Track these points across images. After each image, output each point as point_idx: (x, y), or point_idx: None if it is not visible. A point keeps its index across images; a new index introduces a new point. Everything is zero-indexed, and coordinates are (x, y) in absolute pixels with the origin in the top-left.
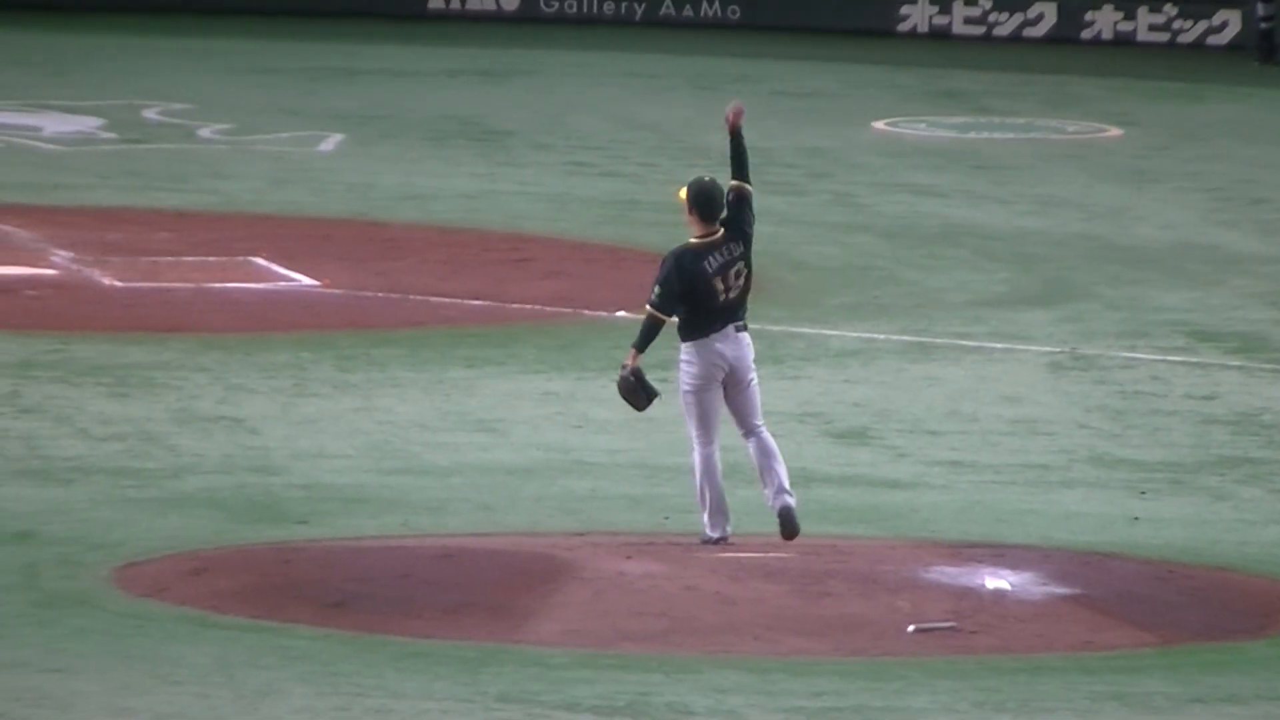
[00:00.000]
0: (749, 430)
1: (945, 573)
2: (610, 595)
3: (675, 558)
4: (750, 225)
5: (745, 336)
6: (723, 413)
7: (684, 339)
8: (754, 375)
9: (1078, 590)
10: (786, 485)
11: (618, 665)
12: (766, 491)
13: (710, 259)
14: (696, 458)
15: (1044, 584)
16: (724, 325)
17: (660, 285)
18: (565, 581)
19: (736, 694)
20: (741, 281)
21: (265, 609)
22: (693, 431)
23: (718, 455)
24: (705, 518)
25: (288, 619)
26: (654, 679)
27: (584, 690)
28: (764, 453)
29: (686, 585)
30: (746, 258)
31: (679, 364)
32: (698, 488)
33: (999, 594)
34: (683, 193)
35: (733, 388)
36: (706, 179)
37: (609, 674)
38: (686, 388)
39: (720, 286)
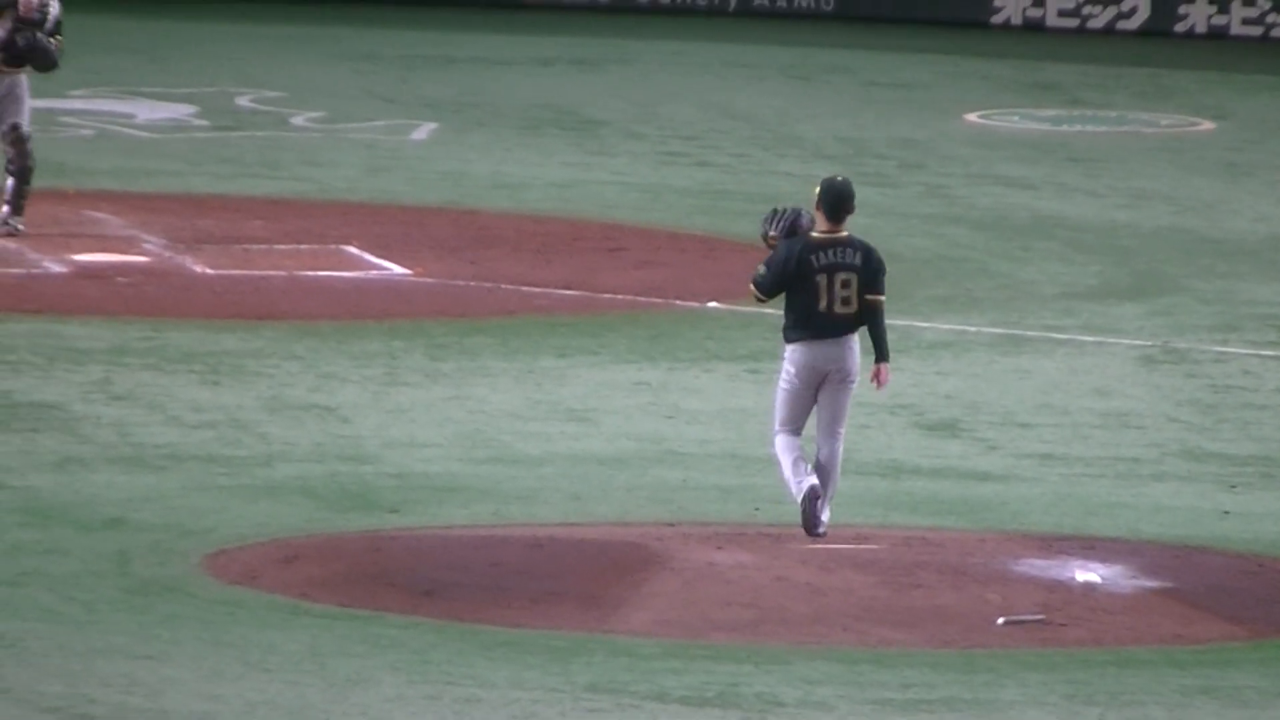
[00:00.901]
0: (827, 434)
1: (1035, 565)
2: (700, 585)
3: (766, 548)
4: (880, 282)
5: (851, 339)
6: (812, 410)
7: (786, 340)
8: (855, 381)
9: (1168, 584)
10: (826, 511)
11: (707, 655)
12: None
13: (821, 254)
14: (776, 439)
15: (1134, 577)
16: (828, 336)
17: (766, 264)
18: (655, 571)
19: (825, 685)
20: (850, 296)
21: (356, 597)
22: (777, 425)
23: (797, 439)
24: (791, 482)
25: (378, 607)
26: (743, 669)
27: (673, 680)
28: (827, 467)
29: (776, 576)
30: (864, 280)
31: (781, 360)
32: (780, 463)
33: (1089, 587)
34: (816, 189)
35: (829, 387)
36: (839, 178)
37: (698, 664)
38: (782, 385)
39: (823, 285)
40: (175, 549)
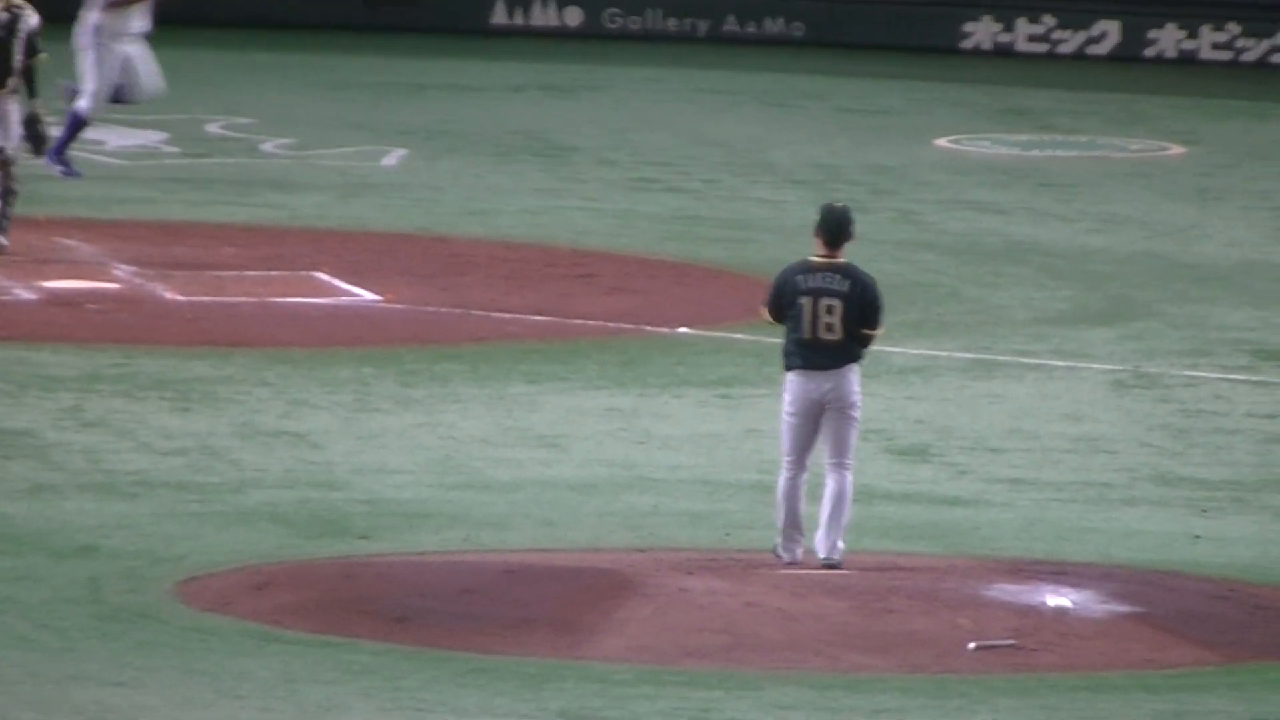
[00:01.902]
0: (834, 464)
1: (1007, 590)
2: (672, 611)
3: (737, 574)
4: (872, 316)
5: (846, 372)
6: (818, 440)
7: (784, 367)
8: (856, 411)
9: (1140, 608)
10: (840, 541)
11: (680, 681)
12: (820, 535)
13: (808, 276)
14: (781, 480)
15: (1106, 602)
16: (814, 366)
17: (770, 291)
18: (627, 598)
19: (798, 710)
20: (834, 323)
21: (328, 624)
22: (783, 454)
23: (802, 481)
24: (779, 537)
25: (350, 634)
26: (716, 695)
27: (646, 706)
28: (836, 498)
29: (748, 601)
30: (850, 308)
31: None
32: (777, 507)
33: (1060, 611)
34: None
35: (830, 419)
36: (839, 205)
37: (671, 690)
38: (783, 414)
39: (808, 310)
40: (147, 576)
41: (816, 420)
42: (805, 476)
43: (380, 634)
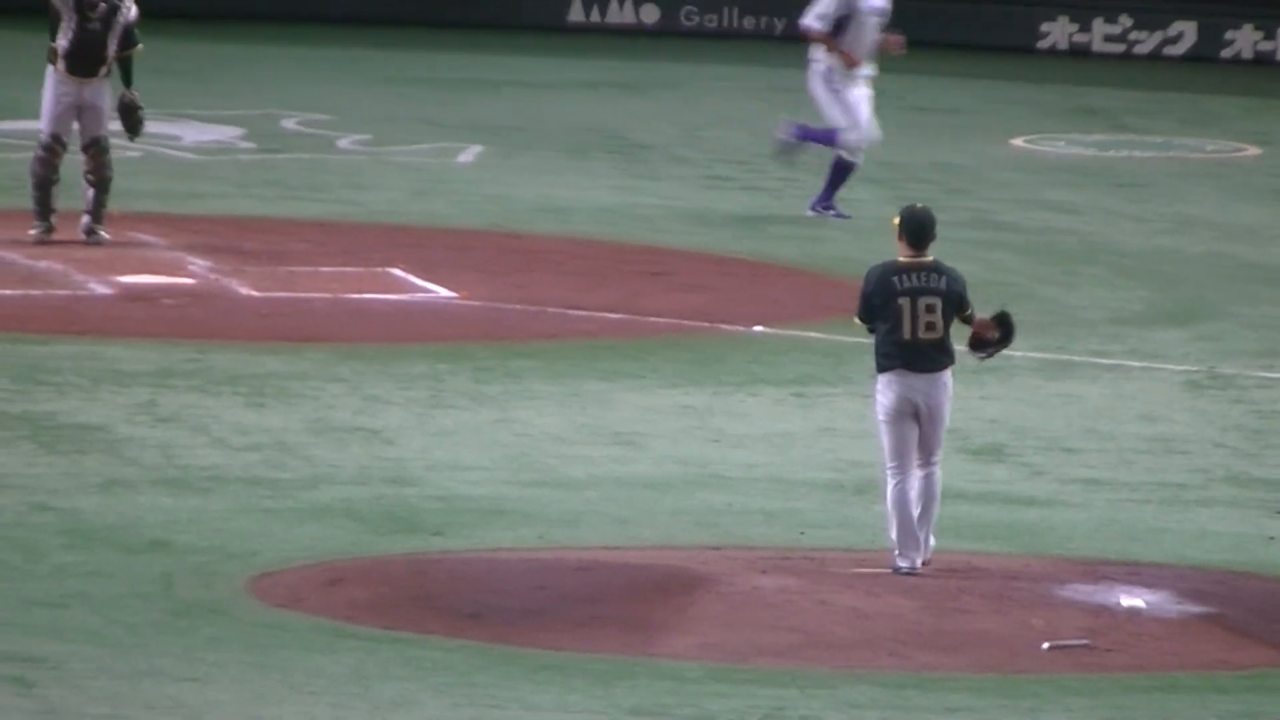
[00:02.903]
0: (925, 462)
1: (1080, 590)
2: (745, 609)
3: (810, 573)
4: (965, 301)
5: (942, 376)
6: (915, 442)
7: (877, 370)
8: (946, 413)
9: (1212, 609)
10: (931, 539)
11: (752, 680)
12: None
13: (902, 277)
14: (889, 490)
15: (1179, 602)
16: (915, 368)
17: (860, 297)
18: (700, 595)
19: (870, 709)
20: (935, 322)
21: (400, 620)
22: (886, 460)
23: (910, 487)
24: (895, 550)
25: (423, 630)
26: (788, 694)
27: (718, 704)
28: (926, 495)
29: (821, 600)
30: (949, 304)
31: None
32: (888, 519)
33: (1133, 612)
34: (896, 219)
35: (925, 421)
36: (919, 206)
37: (743, 688)
38: (880, 417)
39: (907, 311)
40: (220, 571)
41: (915, 422)
42: (912, 481)
43: (453, 630)
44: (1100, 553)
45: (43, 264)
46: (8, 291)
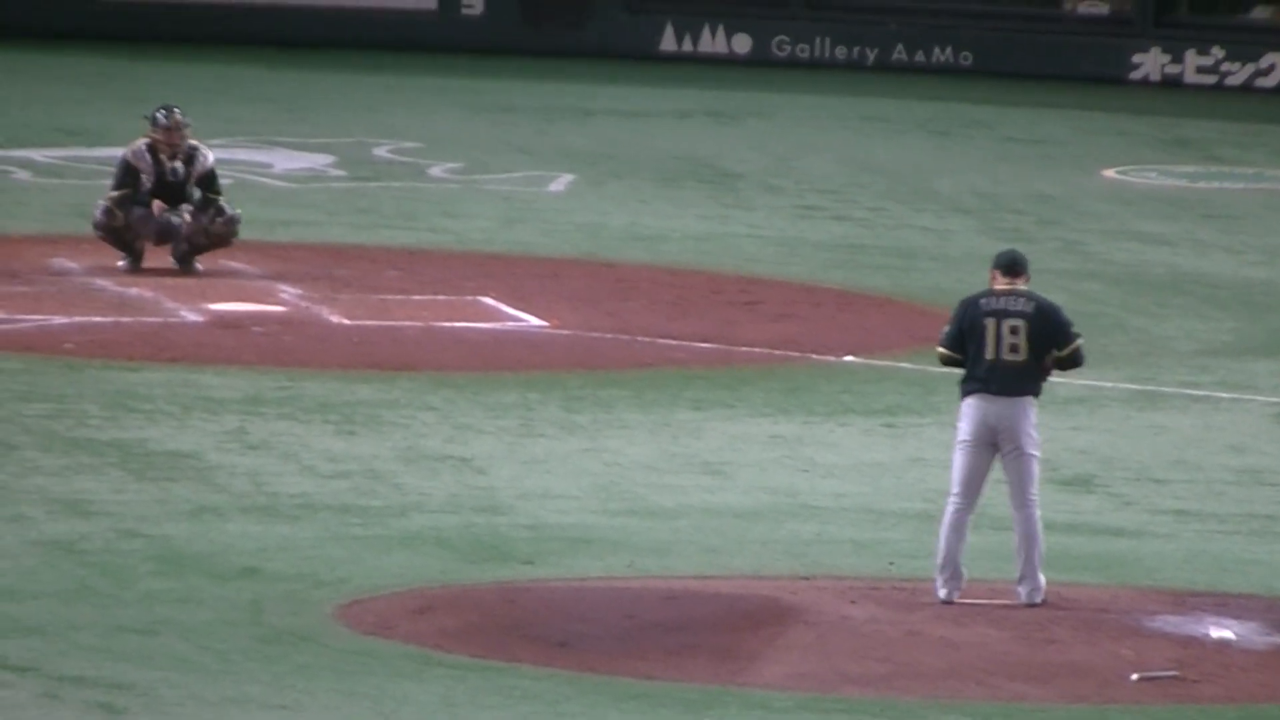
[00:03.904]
0: (1018, 503)
1: (1169, 621)
2: (834, 639)
3: (899, 602)
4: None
5: (1024, 401)
6: (992, 477)
7: (961, 395)
8: (1033, 449)
9: None
10: (1040, 580)
11: (841, 709)
12: (1022, 581)
13: (990, 299)
14: (946, 514)
15: (1268, 634)
16: (995, 391)
17: (948, 323)
18: (789, 625)
19: None
20: (1019, 344)
21: (490, 648)
22: (951, 488)
23: (968, 517)
24: (936, 576)
25: (512, 659)
26: None
27: None
28: (1024, 536)
29: (910, 630)
30: (1035, 328)
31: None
32: (937, 544)
33: (1223, 643)
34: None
35: (1007, 453)
36: (1013, 250)
37: (832, 718)
38: (956, 442)
39: (991, 331)
40: (309, 599)
41: (990, 452)
42: (971, 514)
43: (542, 659)
44: (1189, 583)
45: (133, 291)
46: (98, 318)
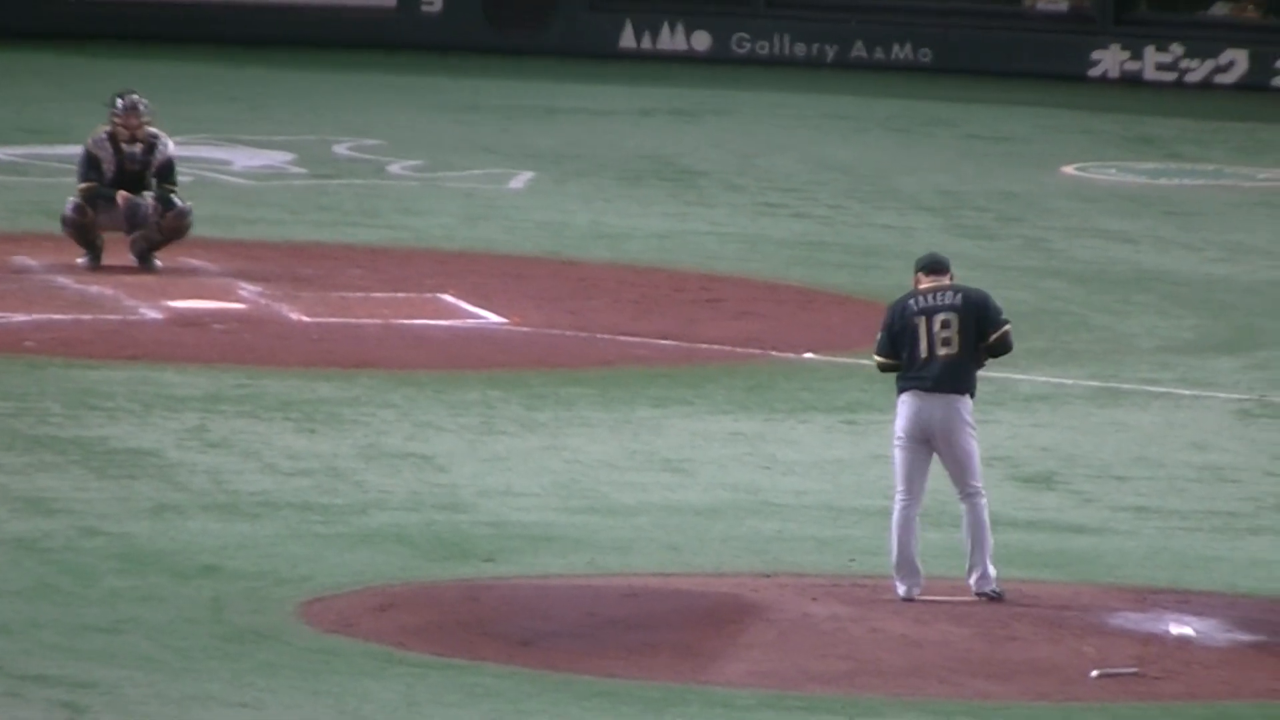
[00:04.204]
0: (962, 492)
1: (1130, 618)
2: (795, 636)
3: (861, 600)
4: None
5: (956, 401)
6: (932, 471)
7: (898, 391)
8: (968, 439)
9: (1264, 637)
10: (990, 569)
11: (802, 707)
12: (968, 568)
13: (917, 299)
14: (894, 513)
15: (1230, 631)
16: (929, 388)
17: (880, 330)
18: (751, 622)
19: None
20: (951, 337)
21: (452, 646)
22: (895, 483)
23: (914, 514)
24: (894, 574)
25: (474, 656)
26: None
27: None
28: (973, 524)
29: (872, 627)
30: (967, 319)
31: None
32: (889, 542)
33: (1184, 640)
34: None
35: (942, 449)
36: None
37: (794, 715)
38: (893, 442)
39: (923, 329)
40: (271, 597)
41: (927, 449)
42: (918, 509)
43: (504, 657)
44: (1151, 581)
45: (94, 289)
46: (59, 316)
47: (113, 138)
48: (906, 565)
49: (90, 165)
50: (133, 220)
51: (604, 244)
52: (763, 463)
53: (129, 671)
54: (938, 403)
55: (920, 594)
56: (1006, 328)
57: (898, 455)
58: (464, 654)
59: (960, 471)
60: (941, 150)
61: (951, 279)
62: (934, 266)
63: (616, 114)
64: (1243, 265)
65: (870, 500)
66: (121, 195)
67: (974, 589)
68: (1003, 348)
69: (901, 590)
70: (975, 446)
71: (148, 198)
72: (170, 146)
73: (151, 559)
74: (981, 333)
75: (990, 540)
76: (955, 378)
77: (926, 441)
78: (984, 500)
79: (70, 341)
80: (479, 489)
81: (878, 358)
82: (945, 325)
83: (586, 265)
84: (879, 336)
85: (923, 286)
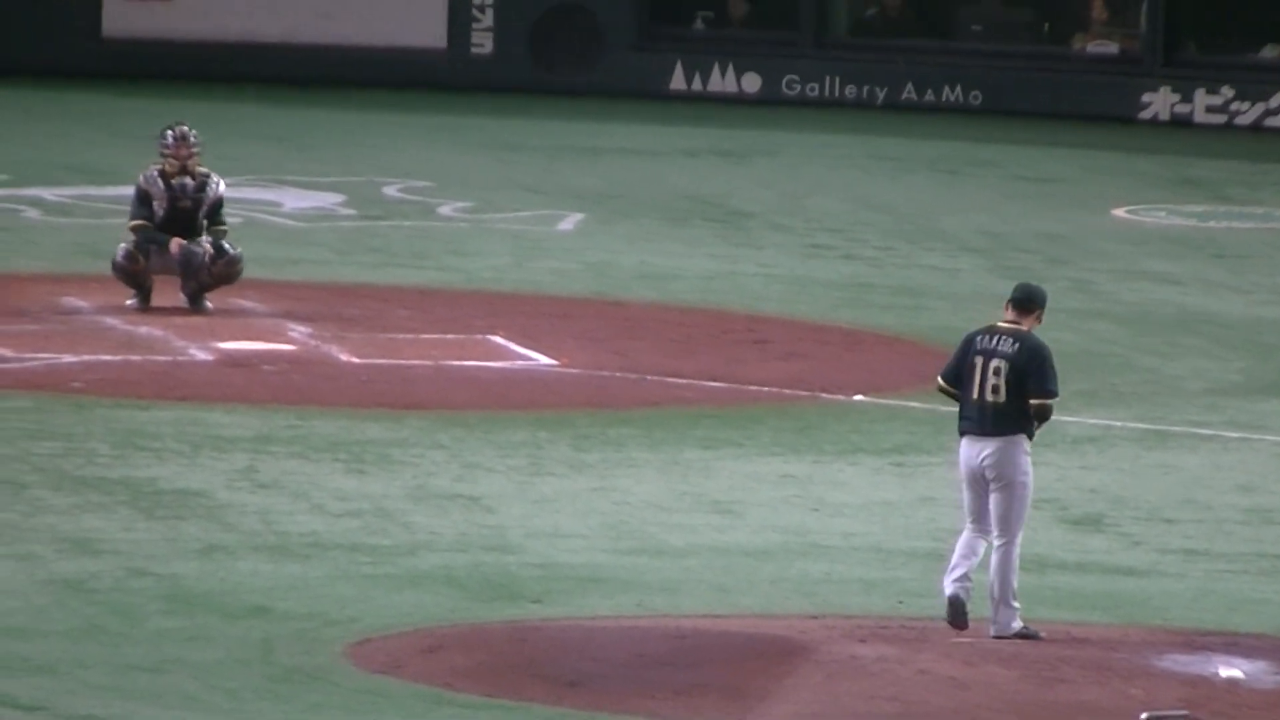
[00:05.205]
0: (997, 536)
1: (1178, 661)
2: (843, 679)
3: (909, 642)
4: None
5: (1008, 440)
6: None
7: (958, 432)
8: (1020, 488)
9: None
10: (997, 613)
11: None
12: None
13: (985, 338)
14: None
15: (1277, 673)
16: (977, 431)
17: (953, 355)
18: (798, 664)
19: None
20: (1000, 385)
21: (500, 687)
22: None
23: (980, 540)
24: (945, 576)
25: (522, 698)
26: None
27: None
28: (990, 571)
29: (920, 669)
30: (1015, 371)
31: None
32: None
33: (1232, 682)
34: None
35: (994, 488)
36: (1034, 284)
37: None
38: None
39: (979, 370)
40: (319, 638)
41: (983, 490)
42: (984, 542)
43: (552, 698)
44: (1199, 623)
45: (143, 329)
46: (108, 357)
47: (164, 174)
48: (958, 571)
49: (142, 202)
50: (187, 268)
51: (650, 285)
52: (811, 504)
53: (176, 712)
54: (987, 446)
55: (966, 597)
56: (1049, 401)
57: (962, 494)
58: (512, 695)
59: (1002, 519)
60: (988, 192)
61: (1038, 319)
62: (1019, 302)
63: (664, 155)
64: None
65: (918, 542)
66: (176, 243)
67: (991, 633)
68: (1039, 417)
69: (945, 589)
70: (1020, 496)
71: (204, 244)
72: (221, 186)
73: (200, 600)
74: (1028, 388)
75: (999, 589)
76: (1001, 424)
77: (982, 485)
78: (1013, 549)
79: (119, 382)
80: (527, 530)
81: (941, 381)
82: (996, 373)
83: (633, 306)
84: (949, 361)
85: (1002, 322)
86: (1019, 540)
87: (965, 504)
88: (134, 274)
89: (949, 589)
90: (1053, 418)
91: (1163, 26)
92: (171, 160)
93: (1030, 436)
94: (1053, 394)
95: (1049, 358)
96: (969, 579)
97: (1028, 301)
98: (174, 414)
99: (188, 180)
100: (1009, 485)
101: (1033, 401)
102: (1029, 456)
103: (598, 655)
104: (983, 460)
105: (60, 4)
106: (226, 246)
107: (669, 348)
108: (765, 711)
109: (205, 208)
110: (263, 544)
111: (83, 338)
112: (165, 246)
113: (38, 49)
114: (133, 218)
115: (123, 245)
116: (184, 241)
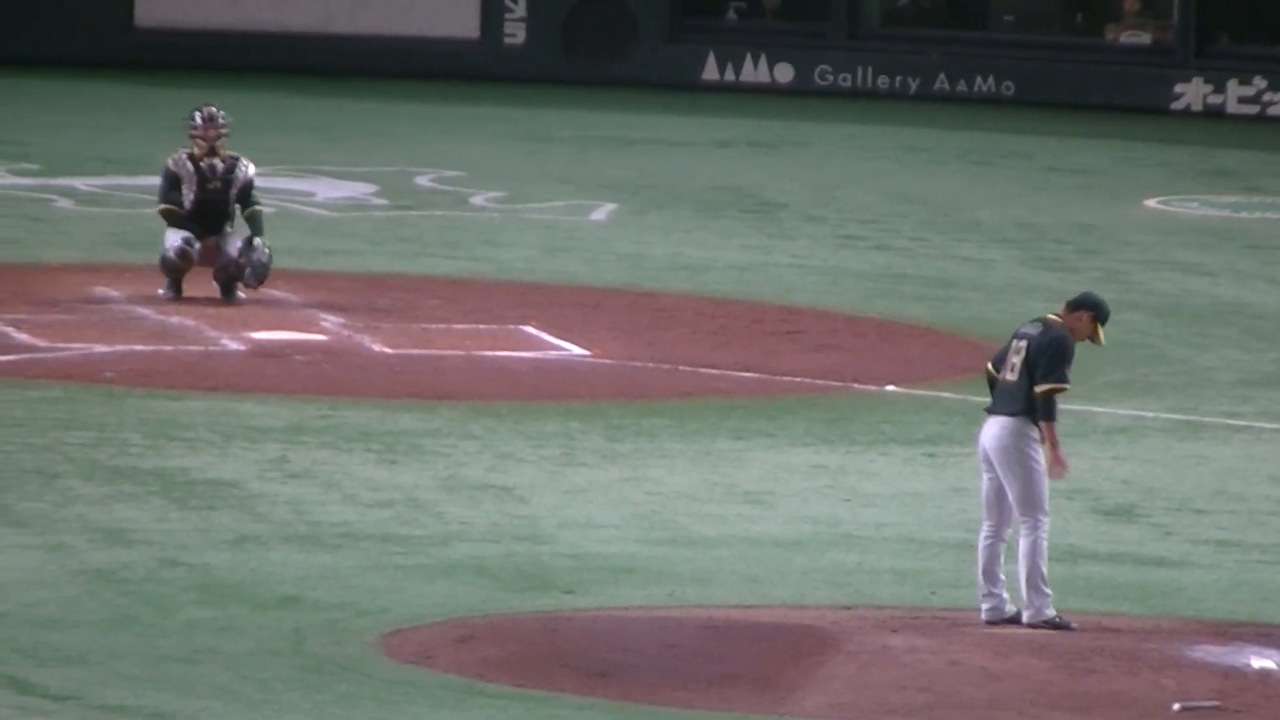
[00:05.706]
0: (1020, 522)
1: (1210, 651)
2: (875, 669)
3: (941, 632)
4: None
5: (1006, 421)
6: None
7: None
8: (1015, 465)
9: None
10: (1027, 598)
11: None
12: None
13: (1027, 324)
14: (979, 537)
15: None
16: (990, 409)
17: None
18: (830, 654)
19: None
20: (1017, 364)
21: (531, 678)
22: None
23: (997, 543)
24: (979, 596)
25: (553, 688)
26: None
27: None
28: (1018, 558)
29: (951, 660)
30: (1029, 355)
31: None
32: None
33: (1265, 673)
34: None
35: (1002, 469)
36: (1097, 295)
37: None
38: None
39: (1010, 349)
40: (351, 628)
41: (993, 472)
42: (1002, 543)
43: (583, 688)
44: (1231, 614)
45: (175, 319)
46: (140, 347)
47: (192, 157)
48: (989, 583)
49: (171, 185)
50: (259, 279)
51: (683, 275)
52: (843, 495)
53: (207, 702)
54: (991, 425)
55: (999, 617)
56: (1050, 387)
57: (981, 482)
58: (543, 685)
59: (1019, 501)
60: (1021, 183)
61: (1087, 322)
62: (1070, 301)
63: (696, 145)
64: None
65: (950, 533)
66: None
67: (1024, 620)
68: (1044, 404)
69: (984, 612)
70: (1024, 476)
71: (264, 248)
72: (251, 169)
73: (232, 590)
74: (1036, 372)
75: (1028, 572)
76: (1008, 403)
77: (986, 461)
78: (1036, 534)
79: (151, 372)
80: (559, 520)
81: (989, 367)
82: (1017, 352)
83: (666, 296)
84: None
85: (1050, 314)
86: (1045, 526)
87: (983, 496)
88: (181, 271)
89: (984, 615)
90: (1083, 406)
91: (1195, 17)
92: (200, 141)
93: (1035, 422)
94: (1054, 381)
95: (1065, 348)
96: (999, 598)
97: (1077, 301)
98: (206, 404)
99: (217, 162)
100: (1011, 467)
101: (1037, 389)
102: (1035, 440)
103: (629, 646)
104: (986, 437)
105: None
106: (259, 245)
107: (701, 339)
108: (797, 702)
109: (235, 190)
110: (294, 534)
111: (115, 328)
112: (215, 249)
113: (71, 40)
114: (161, 200)
115: (176, 242)
116: (241, 259)
